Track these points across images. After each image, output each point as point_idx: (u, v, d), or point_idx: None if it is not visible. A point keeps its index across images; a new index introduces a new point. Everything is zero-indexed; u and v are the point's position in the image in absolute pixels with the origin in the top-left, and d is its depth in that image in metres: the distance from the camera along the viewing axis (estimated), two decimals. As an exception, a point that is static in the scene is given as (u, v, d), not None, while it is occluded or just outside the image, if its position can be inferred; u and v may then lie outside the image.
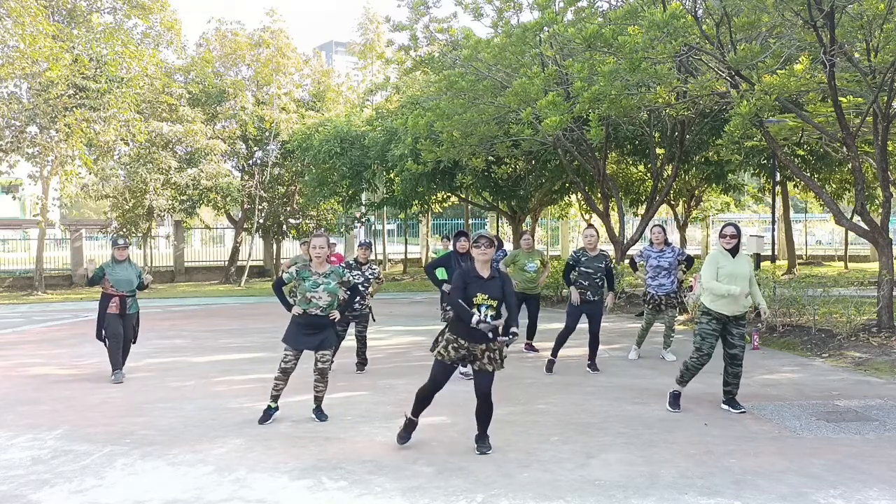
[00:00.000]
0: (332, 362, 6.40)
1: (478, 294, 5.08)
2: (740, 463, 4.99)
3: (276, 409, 6.29)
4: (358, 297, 8.20)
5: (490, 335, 5.04)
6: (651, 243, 9.23)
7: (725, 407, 6.45)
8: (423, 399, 5.36)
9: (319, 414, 6.26)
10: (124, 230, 23.49)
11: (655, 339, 9.77)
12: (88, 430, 6.02)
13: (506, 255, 12.88)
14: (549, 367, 8.44)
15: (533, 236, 10.02)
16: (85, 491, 4.61)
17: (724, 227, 6.46)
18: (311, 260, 6.30)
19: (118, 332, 8.17)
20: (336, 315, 6.26)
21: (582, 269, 8.36)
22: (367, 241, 8.89)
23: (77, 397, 7.29)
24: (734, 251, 6.34)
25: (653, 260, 9.09)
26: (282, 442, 5.62)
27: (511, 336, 5.04)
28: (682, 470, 4.85)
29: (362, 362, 8.64)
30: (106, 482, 4.76)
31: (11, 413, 6.67)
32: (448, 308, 7.79)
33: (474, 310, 5.03)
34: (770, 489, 4.48)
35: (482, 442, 5.30)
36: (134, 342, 8.55)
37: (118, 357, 8.17)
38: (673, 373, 8.25)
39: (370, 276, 8.45)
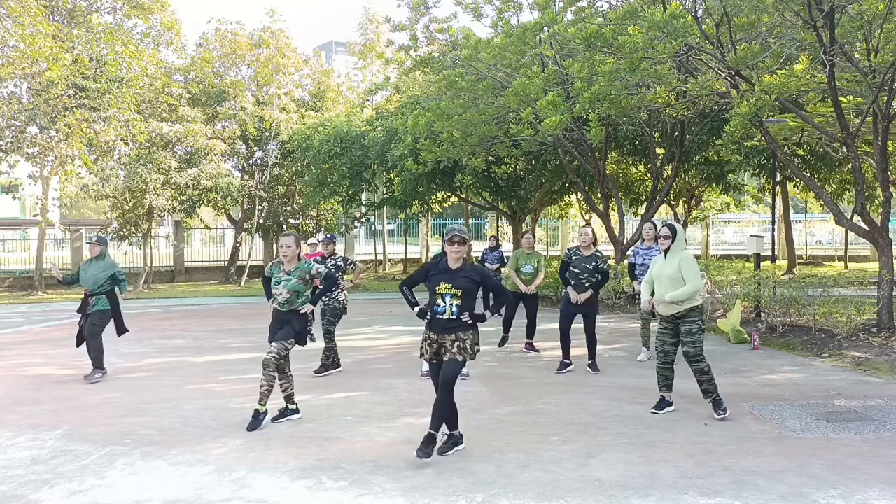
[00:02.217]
0: (284, 356, 6.20)
1: (441, 283, 5.13)
2: (740, 463, 4.98)
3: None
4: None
5: (457, 318, 5.08)
6: (642, 240, 9.18)
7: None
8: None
9: (284, 409, 6.24)
10: (124, 230, 23.50)
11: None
12: (88, 430, 6.02)
13: (501, 255, 12.76)
14: (562, 367, 8.37)
15: (533, 236, 9.99)
16: (85, 491, 4.61)
17: (661, 227, 6.51)
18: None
19: (81, 330, 8.40)
20: (307, 308, 6.25)
21: (572, 267, 8.34)
22: (329, 236, 8.82)
23: (77, 397, 7.29)
24: (665, 252, 6.36)
25: (639, 258, 9.06)
26: (282, 442, 5.62)
27: (478, 316, 5.13)
28: (682, 470, 4.85)
29: (325, 366, 8.27)
30: (106, 482, 4.76)
31: (11, 413, 6.67)
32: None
33: (438, 299, 5.13)
34: (770, 489, 4.48)
35: (425, 445, 4.97)
36: (119, 334, 8.60)
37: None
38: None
39: (332, 267, 8.38)
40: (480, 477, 4.76)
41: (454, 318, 5.08)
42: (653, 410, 6.40)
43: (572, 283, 8.29)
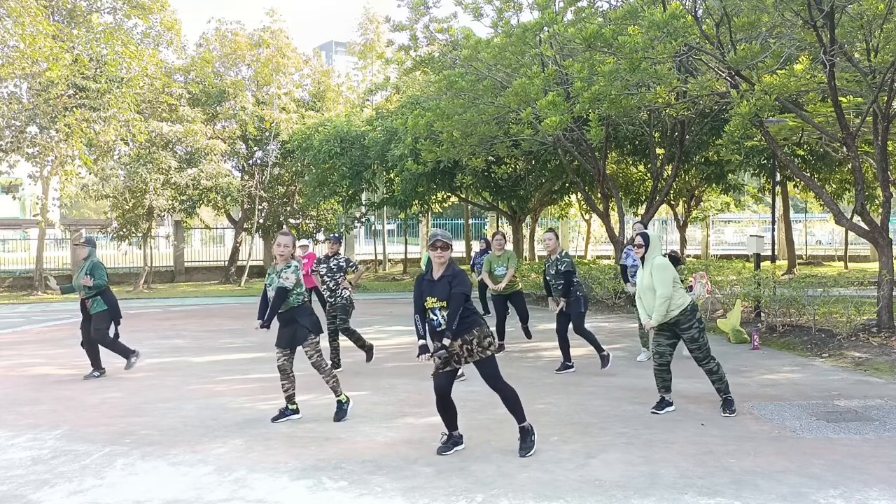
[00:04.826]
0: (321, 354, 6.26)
1: (427, 298, 5.08)
2: (740, 463, 4.98)
3: (294, 411, 6.29)
4: (330, 289, 8.45)
5: (437, 346, 4.98)
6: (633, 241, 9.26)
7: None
8: (441, 411, 5.25)
9: (338, 408, 6.25)
10: (124, 230, 23.50)
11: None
12: (88, 430, 6.02)
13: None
14: (562, 368, 8.43)
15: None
16: (85, 491, 4.61)
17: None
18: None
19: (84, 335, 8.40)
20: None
21: (546, 277, 8.46)
22: (335, 235, 8.97)
23: (77, 397, 7.29)
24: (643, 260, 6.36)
25: (630, 259, 9.08)
26: (282, 442, 5.62)
27: (439, 347, 4.95)
28: (682, 470, 4.85)
29: (369, 350, 8.66)
30: (106, 482, 4.76)
31: (11, 413, 6.67)
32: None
33: (430, 315, 5.07)
34: (770, 489, 4.48)
35: (521, 441, 5.22)
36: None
37: (94, 358, 8.37)
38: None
39: (333, 267, 8.49)
40: (480, 477, 4.76)
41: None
42: (653, 410, 6.41)
43: (551, 290, 8.39)
